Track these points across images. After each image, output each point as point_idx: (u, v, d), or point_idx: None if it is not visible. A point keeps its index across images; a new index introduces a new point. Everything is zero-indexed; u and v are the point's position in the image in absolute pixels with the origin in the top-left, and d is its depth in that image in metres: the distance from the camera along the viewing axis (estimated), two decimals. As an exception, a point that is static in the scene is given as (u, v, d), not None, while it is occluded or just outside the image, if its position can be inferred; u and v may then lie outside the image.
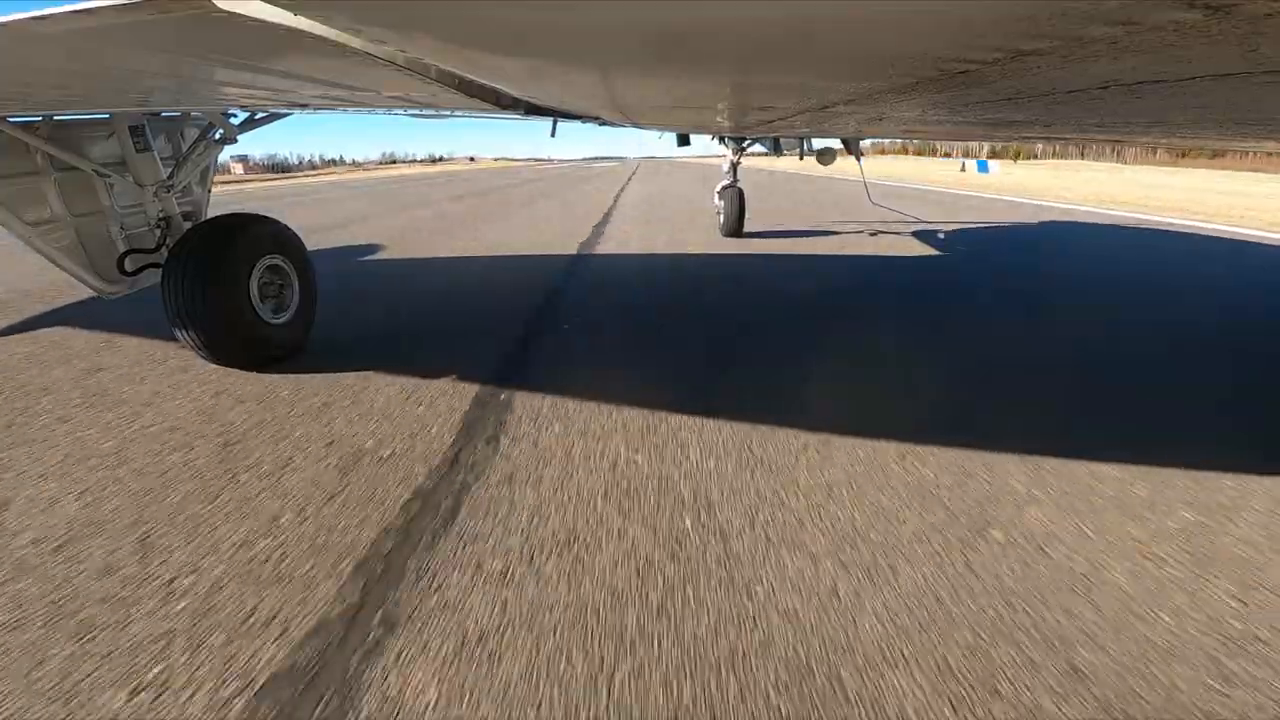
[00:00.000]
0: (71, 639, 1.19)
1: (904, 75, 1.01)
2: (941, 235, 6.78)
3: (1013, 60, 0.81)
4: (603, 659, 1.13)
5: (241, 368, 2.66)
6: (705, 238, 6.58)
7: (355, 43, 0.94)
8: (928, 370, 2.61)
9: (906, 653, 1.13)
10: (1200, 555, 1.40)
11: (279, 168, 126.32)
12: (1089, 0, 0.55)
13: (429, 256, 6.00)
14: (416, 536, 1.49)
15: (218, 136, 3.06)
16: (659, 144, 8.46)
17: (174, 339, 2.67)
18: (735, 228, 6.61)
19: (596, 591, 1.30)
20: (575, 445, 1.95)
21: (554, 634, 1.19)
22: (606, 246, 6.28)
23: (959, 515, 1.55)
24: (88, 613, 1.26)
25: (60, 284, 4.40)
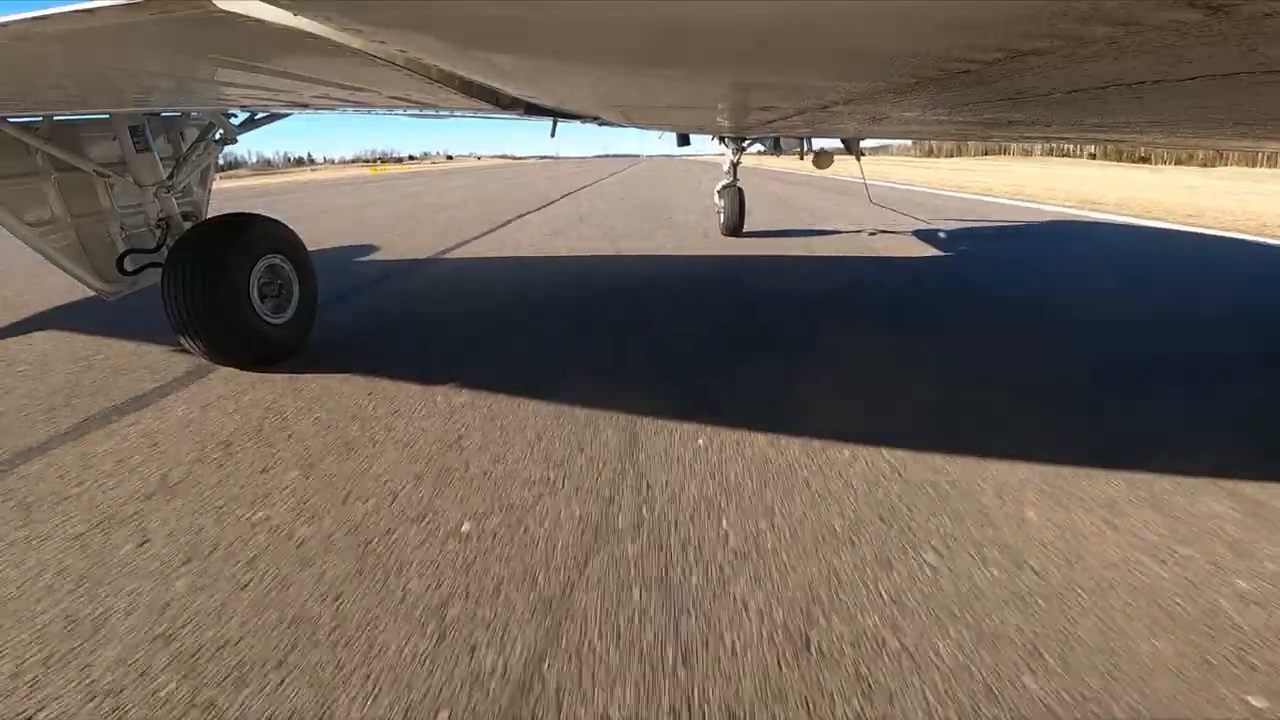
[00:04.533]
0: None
1: (904, 75, 1.01)
2: (943, 234, 6.78)
3: (1013, 60, 0.81)
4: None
5: (241, 367, 2.65)
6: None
7: (355, 43, 0.94)
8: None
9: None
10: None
11: (231, 165, 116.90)
12: (1089, 0, 0.55)
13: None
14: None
15: (218, 136, 3.06)
16: (660, 143, 8.43)
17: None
18: (735, 226, 6.61)
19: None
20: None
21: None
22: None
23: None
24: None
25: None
